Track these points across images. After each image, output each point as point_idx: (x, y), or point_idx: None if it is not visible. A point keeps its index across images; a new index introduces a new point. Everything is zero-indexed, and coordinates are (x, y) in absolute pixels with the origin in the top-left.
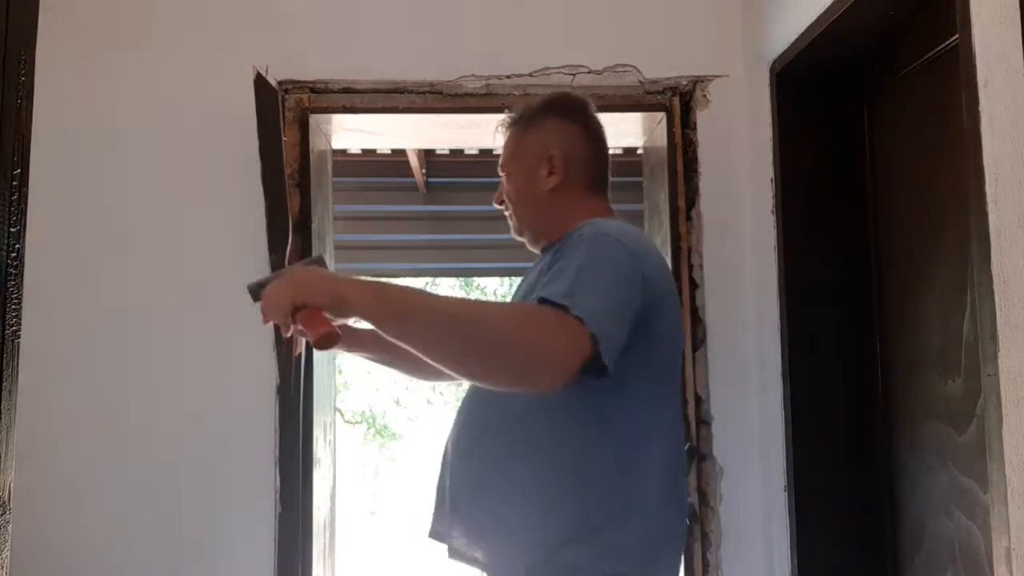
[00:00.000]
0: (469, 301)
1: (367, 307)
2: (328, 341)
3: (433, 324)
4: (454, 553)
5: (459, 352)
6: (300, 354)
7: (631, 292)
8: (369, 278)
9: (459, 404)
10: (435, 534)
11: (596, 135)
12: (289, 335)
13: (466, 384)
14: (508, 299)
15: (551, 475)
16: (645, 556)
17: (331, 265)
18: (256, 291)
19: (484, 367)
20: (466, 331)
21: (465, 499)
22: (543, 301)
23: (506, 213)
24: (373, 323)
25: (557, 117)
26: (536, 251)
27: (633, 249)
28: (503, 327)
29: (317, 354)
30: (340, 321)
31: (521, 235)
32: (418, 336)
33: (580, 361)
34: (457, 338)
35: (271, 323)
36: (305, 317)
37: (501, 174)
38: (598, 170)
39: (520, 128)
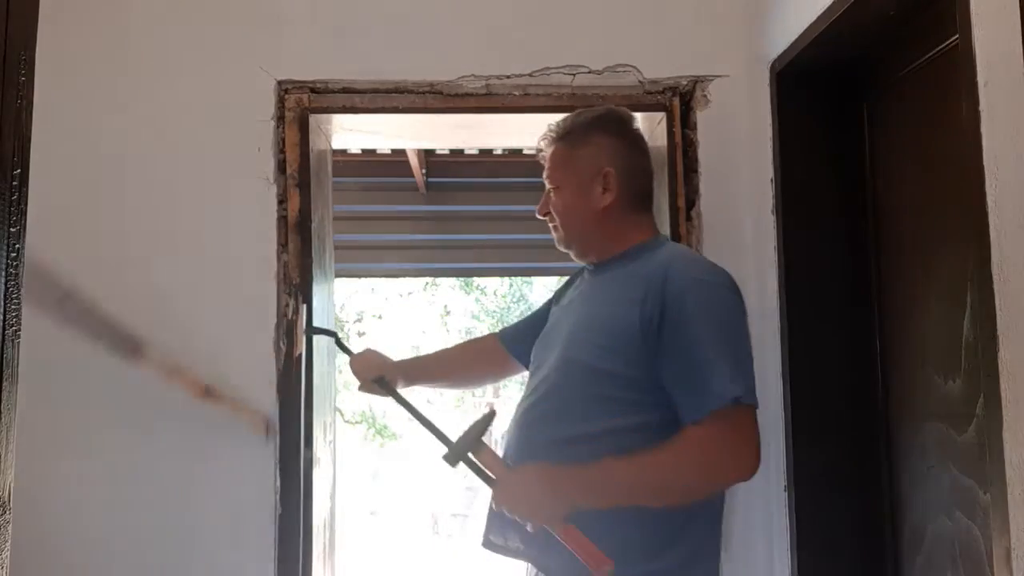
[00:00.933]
0: (655, 458)
1: (587, 504)
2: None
3: (638, 495)
4: (507, 551)
5: (667, 503)
6: (300, 354)
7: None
8: (570, 470)
9: (519, 418)
10: (489, 544)
11: (643, 150)
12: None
13: (521, 394)
14: (532, 309)
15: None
16: None
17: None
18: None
19: (692, 498)
20: (668, 493)
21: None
22: (732, 402)
23: (551, 224)
24: (590, 507)
25: (608, 134)
26: (581, 262)
27: (732, 286)
28: (689, 476)
29: (317, 354)
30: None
31: (568, 247)
32: (633, 501)
33: (758, 439)
34: (661, 498)
35: (269, 323)
36: (566, 536)
37: (549, 185)
38: (645, 187)
39: (571, 142)
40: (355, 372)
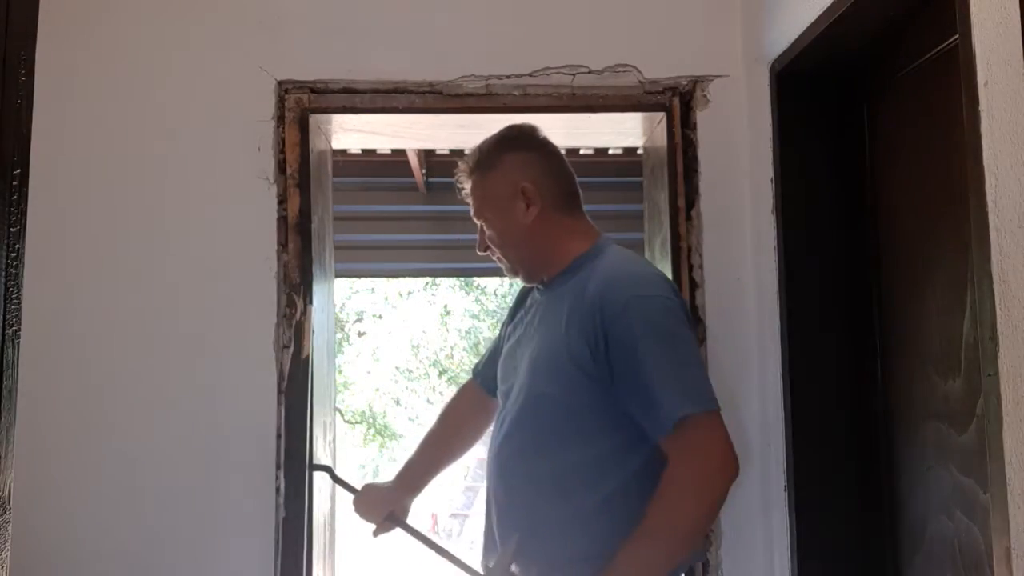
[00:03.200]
0: (654, 519)
1: None
2: None
3: (671, 554)
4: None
5: (697, 538)
6: (301, 354)
7: (697, 346)
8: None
9: (494, 453)
10: (487, 570)
11: (556, 155)
12: None
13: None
14: (494, 333)
15: (604, 521)
16: None
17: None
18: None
19: (711, 519)
20: (689, 534)
21: (519, 543)
22: (683, 419)
23: (494, 258)
24: None
25: (514, 150)
26: (532, 284)
27: (669, 293)
28: (691, 509)
29: (317, 353)
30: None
31: (516, 274)
32: (673, 561)
33: (726, 438)
34: (688, 541)
35: (269, 323)
36: None
37: (477, 222)
38: (569, 188)
39: (482, 172)
40: (363, 515)
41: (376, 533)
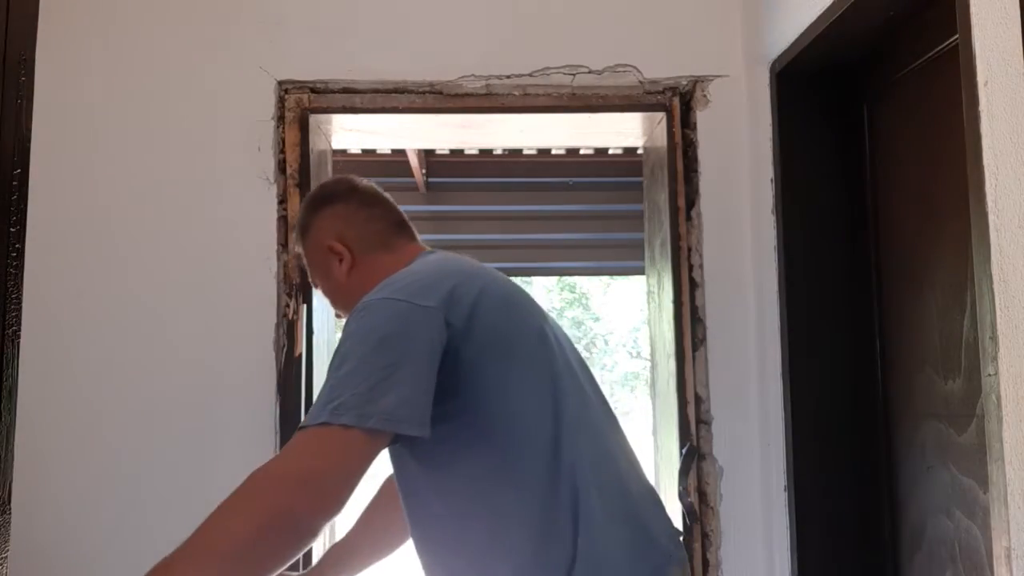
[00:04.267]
0: (192, 552)
1: None
2: None
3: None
4: None
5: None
6: (301, 354)
7: (406, 344)
8: None
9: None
10: None
11: (365, 197)
12: None
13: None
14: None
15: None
16: None
17: None
18: None
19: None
20: (230, 569)
21: None
22: (300, 429)
23: (336, 312)
24: None
25: (320, 210)
26: None
27: (403, 296)
28: (233, 533)
29: (317, 354)
30: None
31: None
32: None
33: (362, 465)
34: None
35: (269, 323)
36: None
37: (313, 285)
38: (381, 225)
39: (301, 240)
40: None
41: None
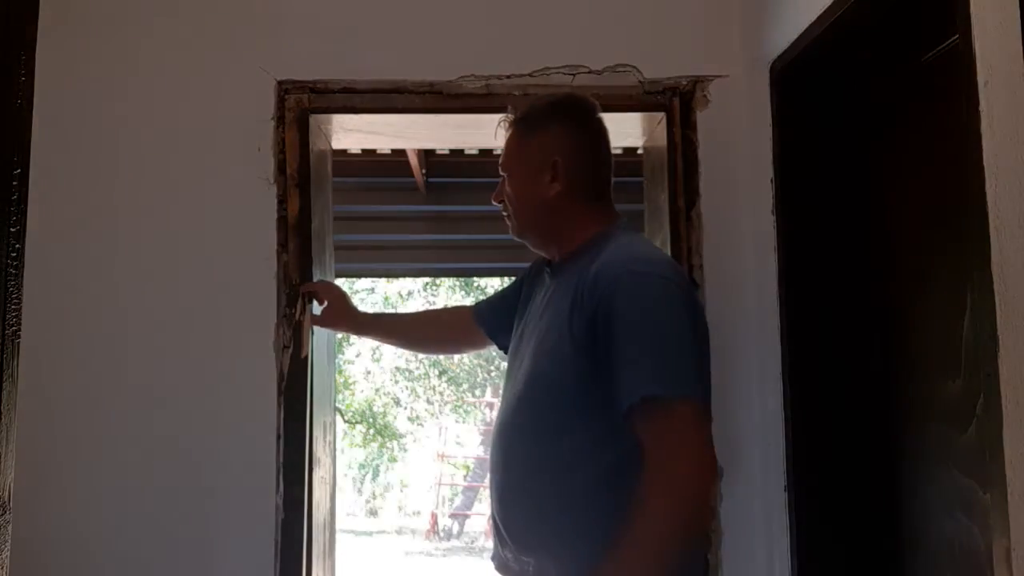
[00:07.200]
0: (641, 522)
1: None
2: None
3: (662, 551)
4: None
5: (686, 539)
6: (307, 356)
7: (700, 333)
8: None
9: (497, 432)
10: (502, 568)
11: (601, 140)
12: None
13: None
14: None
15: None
16: None
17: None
18: None
19: (697, 522)
20: (673, 545)
21: (525, 536)
22: (647, 400)
23: (504, 213)
24: None
25: (563, 121)
26: (541, 253)
27: (670, 275)
28: (672, 520)
29: (317, 353)
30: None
31: (522, 237)
32: (665, 556)
33: (703, 434)
34: (675, 548)
35: (269, 323)
36: None
37: (502, 173)
38: (602, 176)
39: (523, 129)
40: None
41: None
